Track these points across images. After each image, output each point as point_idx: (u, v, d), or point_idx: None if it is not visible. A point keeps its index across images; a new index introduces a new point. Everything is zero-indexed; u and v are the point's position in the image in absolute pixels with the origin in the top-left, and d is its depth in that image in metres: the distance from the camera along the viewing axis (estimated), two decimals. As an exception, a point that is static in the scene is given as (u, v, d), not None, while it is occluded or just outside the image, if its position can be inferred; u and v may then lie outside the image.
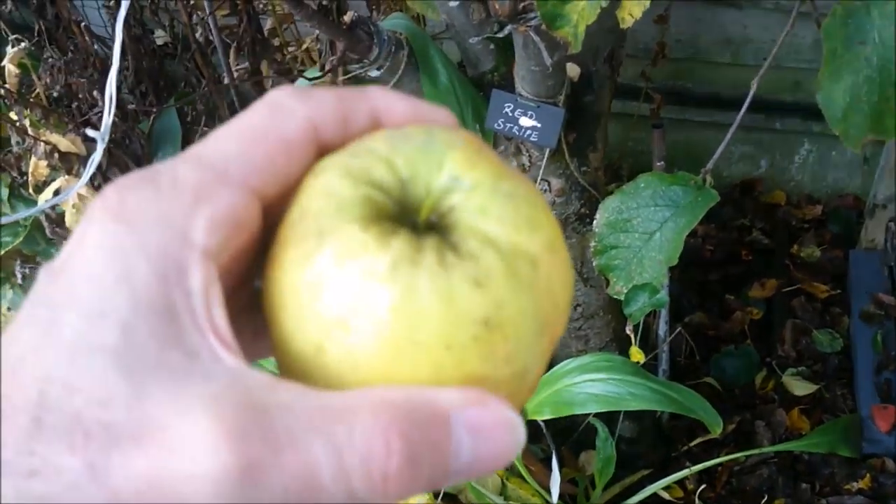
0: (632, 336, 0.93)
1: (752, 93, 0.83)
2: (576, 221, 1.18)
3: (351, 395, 0.21)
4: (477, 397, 0.21)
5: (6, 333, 0.21)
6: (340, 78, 1.03)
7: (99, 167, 1.03)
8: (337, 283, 0.22)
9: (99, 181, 1.14)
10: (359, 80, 1.05)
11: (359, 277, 0.21)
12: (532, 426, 1.22)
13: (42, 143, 1.02)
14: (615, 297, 0.83)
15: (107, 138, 0.55)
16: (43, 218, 1.14)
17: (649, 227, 0.79)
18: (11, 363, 0.20)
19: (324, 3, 0.96)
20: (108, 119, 0.52)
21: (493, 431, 0.22)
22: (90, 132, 0.53)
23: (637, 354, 0.99)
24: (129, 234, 0.21)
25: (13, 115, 1.06)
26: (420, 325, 0.21)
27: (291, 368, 0.23)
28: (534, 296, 0.23)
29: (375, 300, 0.21)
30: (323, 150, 0.24)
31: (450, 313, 0.21)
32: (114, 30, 0.68)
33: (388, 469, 0.20)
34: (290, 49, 1.39)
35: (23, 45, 1.09)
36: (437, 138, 0.24)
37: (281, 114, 0.24)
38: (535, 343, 0.23)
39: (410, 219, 0.23)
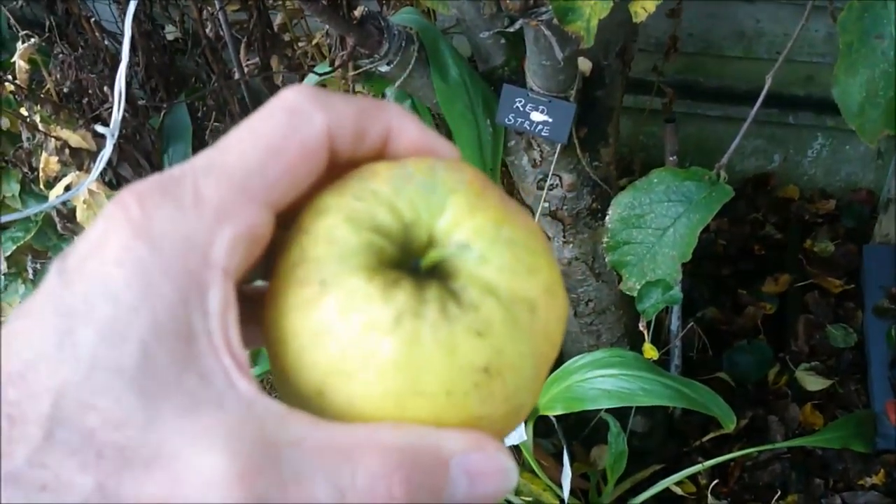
0: (645, 333, 0.93)
1: (766, 87, 0.83)
2: (587, 217, 1.17)
3: (358, 431, 0.22)
4: (477, 443, 0.22)
5: (12, 327, 0.21)
6: (350, 73, 1.03)
7: (109, 163, 1.03)
8: (340, 334, 0.22)
9: (110, 177, 1.14)
10: (369, 75, 1.04)
11: (362, 329, 0.22)
12: (544, 421, 1.22)
13: (52, 139, 1.03)
14: (628, 293, 0.82)
15: (116, 134, 0.55)
16: (54, 213, 1.15)
17: (662, 223, 0.79)
18: (20, 367, 0.20)
19: (334, -3, 0.96)
20: (117, 115, 0.52)
21: (488, 476, 0.23)
22: (100, 128, 0.53)
23: (651, 351, 0.98)
24: (152, 254, 0.21)
25: (24, 111, 1.06)
26: (423, 375, 0.22)
27: (293, 401, 0.23)
28: (532, 339, 0.23)
29: (379, 352, 0.22)
30: (334, 160, 0.24)
31: (452, 364, 0.22)
32: (124, 25, 0.67)
33: None
34: (301, 44, 1.38)
35: (33, 41, 1.09)
36: (439, 179, 0.24)
37: (300, 121, 0.23)
38: (532, 381, 0.24)
39: (412, 262, 0.24)
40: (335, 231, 0.23)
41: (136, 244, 0.21)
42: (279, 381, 0.23)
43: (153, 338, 0.20)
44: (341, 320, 0.22)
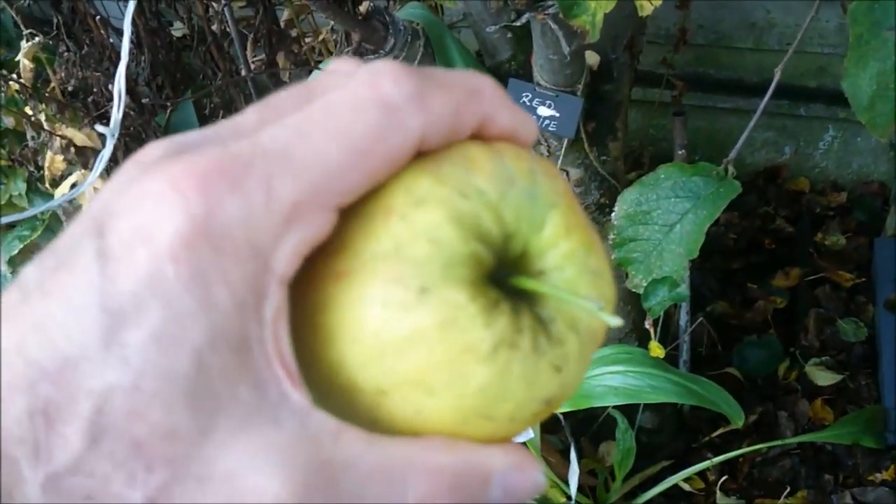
0: (651, 330, 0.92)
1: (776, 79, 0.82)
2: (595, 212, 1.16)
3: (411, 450, 0.21)
4: (518, 462, 0.23)
5: (45, 308, 0.19)
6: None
7: (116, 161, 1.03)
8: (434, 349, 0.21)
9: (116, 174, 1.14)
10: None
11: (460, 351, 0.21)
12: (551, 417, 1.21)
13: (58, 138, 1.03)
14: (634, 290, 0.82)
15: (116, 134, 0.54)
16: (60, 212, 1.15)
17: (669, 220, 0.78)
18: (58, 363, 0.18)
19: (339, -7, 0.95)
20: (117, 115, 0.51)
21: (522, 491, 0.23)
22: (100, 128, 0.53)
23: (657, 349, 0.97)
24: (213, 258, 0.19)
25: (28, 110, 1.06)
26: (499, 404, 0.22)
27: (334, 386, 0.22)
28: (587, 367, 0.24)
29: (470, 378, 0.21)
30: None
31: (526, 395, 0.22)
32: (131, 24, 0.67)
33: None
34: (307, 40, 1.38)
35: (37, 39, 1.09)
36: (540, 188, 0.23)
37: (395, 124, 0.21)
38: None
39: (503, 273, 0.23)
40: (440, 231, 0.21)
41: (197, 243, 0.19)
42: (322, 365, 0.22)
43: (208, 346, 0.19)
44: (439, 337, 0.21)
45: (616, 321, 0.22)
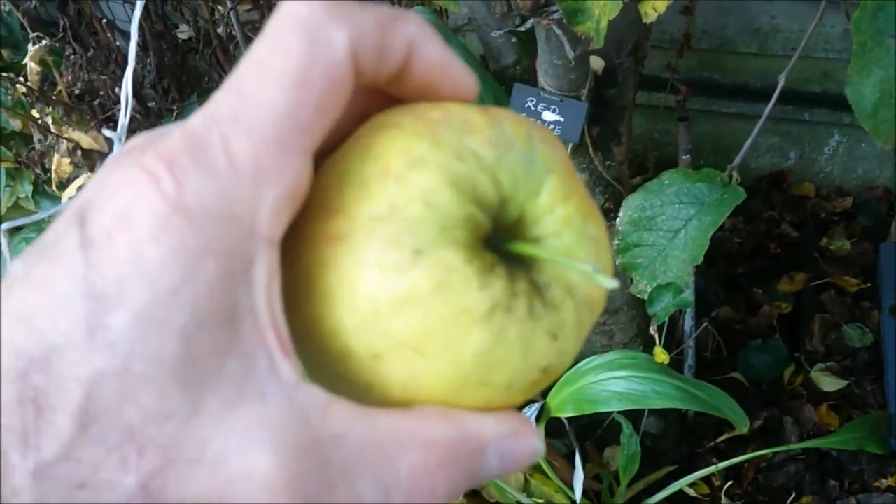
0: (656, 336, 0.92)
1: (780, 85, 0.82)
2: (600, 216, 1.16)
3: (402, 423, 0.21)
4: (514, 429, 0.23)
5: (30, 299, 0.19)
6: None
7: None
8: (429, 311, 0.21)
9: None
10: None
11: (455, 314, 0.21)
12: (555, 422, 1.21)
13: (64, 141, 1.03)
14: (638, 296, 0.82)
15: (123, 137, 0.54)
16: (67, 214, 1.15)
17: (673, 225, 0.78)
18: (44, 352, 0.18)
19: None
20: (124, 120, 0.52)
21: (518, 457, 0.23)
22: (107, 132, 0.53)
23: (661, 355, 0.97)
24: (192, 231, 0.19)
25: (35, 113, 1.06)
26: (495, 369, 0.22)
27: (327, 353, 0.22)
28: (583, 337, 0.24)
29: (464, 340, 0.21)
30: (358, 79, 0.22)
31: (523, 362, 0.22)
32: (137, 27, 0.67)
33: None
34: (312, 43, 1.38)
35: (44, 42, 1.09)
36: (538, 153, 0.23)
37: (321, 44, 0.20)
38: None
39: (497, 236, 0.23)
40: (436, 195, 0.21)
41: (174, 220, 0.19)
42: (314, 327, 0.22)
43: (194, 323, 0.19)
44: (434, 299, 0.21)
45: (613, 283, 0.22)
